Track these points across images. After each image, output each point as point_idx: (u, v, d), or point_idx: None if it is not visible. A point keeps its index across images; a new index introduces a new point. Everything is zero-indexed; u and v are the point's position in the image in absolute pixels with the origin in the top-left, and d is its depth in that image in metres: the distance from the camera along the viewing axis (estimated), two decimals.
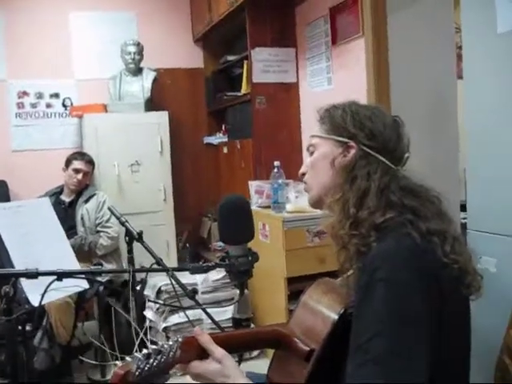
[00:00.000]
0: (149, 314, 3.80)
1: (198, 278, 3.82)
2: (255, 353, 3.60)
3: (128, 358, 1.01)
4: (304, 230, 3.37)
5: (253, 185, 3.96)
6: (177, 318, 3.66)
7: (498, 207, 1.93)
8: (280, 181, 3.56)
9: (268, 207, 3.72)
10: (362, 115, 1.36)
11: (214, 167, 5.31)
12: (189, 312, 3.44)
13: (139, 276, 3.62)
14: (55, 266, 1.54)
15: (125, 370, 1.00)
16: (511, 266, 1.87)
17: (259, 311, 3.88)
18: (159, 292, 3.75)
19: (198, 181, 5.40)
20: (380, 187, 1.26)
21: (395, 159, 1.33)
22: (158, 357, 1.04)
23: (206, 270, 1.54)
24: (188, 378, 1.19)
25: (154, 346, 1.04)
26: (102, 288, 3.62)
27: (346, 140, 1.34)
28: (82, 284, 1.85)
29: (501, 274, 1.90)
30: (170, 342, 1.08)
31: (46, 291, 1.50)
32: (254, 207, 3.89)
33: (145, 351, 1.03)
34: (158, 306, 3.70)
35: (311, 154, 1.43)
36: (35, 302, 1.63)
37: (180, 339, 1.11)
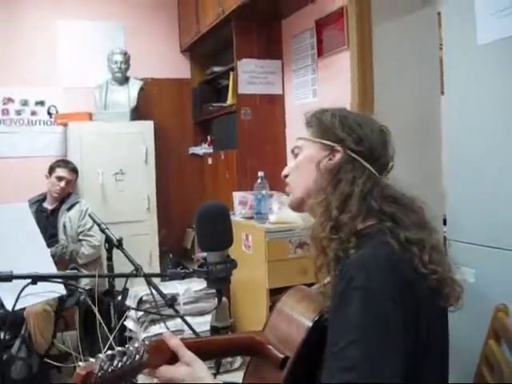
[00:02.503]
0: (130, 324, 3.76)
1: (180, 289, 3.79)
2: (236, 364, 3.57)
3: (91, 359, 0.99)
4: (287, 241, 3.36)
5: (237, 195, 3.96)
6: (157, 329, 3.62)
7: (477, 218, 1.94)
8: (264, 192, 3.56)
9: (251, 218, 3.72)
10: (351, 120, 1.35)
11: (199, 178, 5.31)
12: (170, 323, 3.41)
13: (120, 285, 3.59)
14: (32, 270, 1.52)
15: (86, 371, 0.97)
16: (489, 277, 1.87)
17: (241, 322, 3.86)
18: (140, 302, 3.70)
19: (182, 191, 5.39)
20: (363, 192, 1.26)
21: (380, 167, 1.32)
22: (124, 359, 1.02)
23: (184, 277, 1.53)
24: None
25: (119, 348, 1.02)
26: (82, 297, 3.58)
27: (333, 144, 1.34)
28: (59, 290, 1.83)
29: (479, 285, 1.90)
30: (136, 345, 1.05)
31: (19, 295, 1.48)
32: (237, 218, 3.88)
33: (109, 352, 1.00)
34: (139, 315, 3.66)
35: (296, 155, 1.42)
36: (9, 306, 1.60)
37: (147, 342, 1.09)
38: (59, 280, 1.57)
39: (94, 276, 1.56)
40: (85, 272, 3.81)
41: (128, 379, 1.06)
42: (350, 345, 1.03)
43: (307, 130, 1.42)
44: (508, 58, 1.74)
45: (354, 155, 1.31)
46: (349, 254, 1.18)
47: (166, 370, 1.13)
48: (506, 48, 1.75)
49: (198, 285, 3.79)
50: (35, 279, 1.43)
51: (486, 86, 1.90)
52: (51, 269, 1.92)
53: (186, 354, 1.14)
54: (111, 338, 1.58)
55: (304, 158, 1.39)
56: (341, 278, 1.13)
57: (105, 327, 1.73)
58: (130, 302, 3.79)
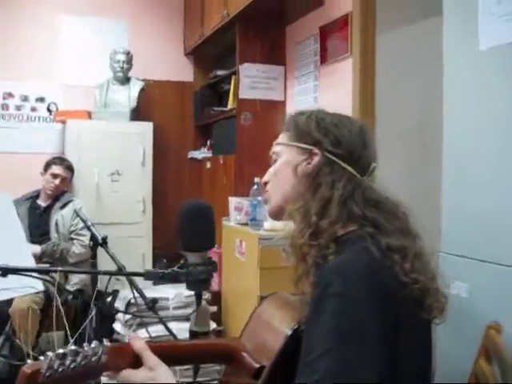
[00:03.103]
0: (118, 326, 3.71)
1: (171, 293, 3.73)
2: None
3: (41, 357, 0.92)
4: (280, 249, 3.29)
5: (232, 201, 3.90)
6: (145, 332, 3.55)
7: (472, 230, 1.88)
8: (259, 198, 3.50)
9: (246, 224, 3.66)
10: (328, 122, 1.30)
11: (197, 182, 5.26)
12: (159, 327, 3.34)
13: (110, 288, 3.53)
14: (6, 262, 1.46)
15: (32, 370, 0.90)
16: (483, 292, 1.81)
17: (231, 329, 3.80)
18: (129, 304, 3.64)
19: (179, 195, 5.32)
20: (343, 196, 1.20)
21: (361, 168, 1.26)
22: (77, 358, 0.95)
23: (161, 277, 1.47)
24: None
25: (72, 347, 0.95)
26: (70, 297, 3.52)
27: (309, 147, 1.28)
28: (37, 286, 1.77)
29: (472, 300, 1.83)
30: (93, 345, 0.99)
31: None
32: (232, 223, 3.83)
33: (60, 351, 0.93)
34: (127, 318, 3.60)
35: (274, 161, 1.37)
36: None
37: (106, 343, 1.02)
38: (31, 274, 1.51)
39: (55, 271, 1.50)
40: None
41: (83, 381, 0.99)
42: (322, 355, 0.98)
43: (284, 134, 1.37)
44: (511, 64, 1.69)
45: (333, 157, 1.25)
46: (328, 260, 1.13)
47: (128, 374, 1.07)
48: (509, 53, 1.69)
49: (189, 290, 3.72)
50: (4, 272, 1.37)
51: (488, 93, 1.84)
52: (29, 263, 1.87)
53: (150, 358, 1.08)
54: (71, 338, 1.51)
55: (281, 164, 1.34)
56: (318, 284, 1.08)
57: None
58: (119, 304, 3.73)
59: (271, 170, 1.38)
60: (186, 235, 1.41)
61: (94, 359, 0.98)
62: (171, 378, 1.07)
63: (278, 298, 1.36)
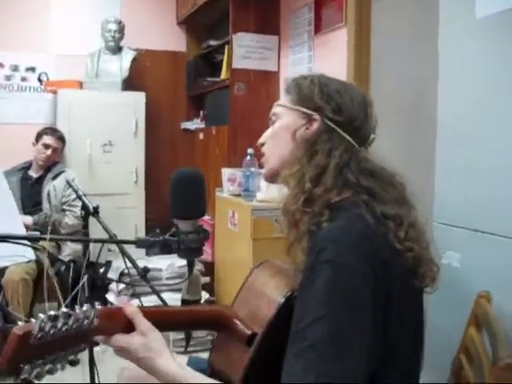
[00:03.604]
0: (111, 297, 3.72)
1: (164, 263, 3.74)
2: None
3: (33, 320, 0.91)
4: (273, 220, 3.28)
5: (225, 172, 3.89)
6: (138, 302, 3.56)
7: (465, 200, 1.88)
8: (252, 169, 3.49)
9: (239, 195, 3.65)
10: (331, 88, 1.28)
11: (190, 153, 5.22)
12: (151, 297, 3.36)
13: (103, 258, 3.53)
14: None
15: (24, 331, 0.89)
16: (475, 262, 1.81)
17: (224, 300, 3.83)
18: (122, 275, 3.65)
19: (172, 165, 5.28)
20: (339, 164, 1.19)
21: (360, 139, 1.25)
22: (69, 321, 0.94)
23: (151, 245, 1.46)
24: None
25: (64, 309, 0.94)
26: (63, 268, 3.51)
27: (310, 112, 1.26)
28: (27, 254, 1.76)
29: (464, 270, 1.84)
30: (85, 308, 0.98)
31: None
32: (225, 195, 3.83)
33: (52, 312, 0.93)
34: (120, 289, 3.61)
35: (273, 123, 1.35)
36: None
37: (98, 307, 1.02)
38: (21, 242, 1.50)
39: (45, 239, 1.48)
40: (68, 243, 3.74)
41: (75, 344, 0.98)
42: (313, 322, 0.98)
43: (286, 96, 1.35)
44: (508, 32, 1.66)
45: (332, 125, 1.24)
46: (321, 227, 1.12)
47: (119, 339, 1.07)
48: (506, 21, 1.66)
49: (182, 260, 3.72)
50: None
51: (484, 62, 1.82)
52: (20, 232, 1.85)
53: (142, 323, 1.08)
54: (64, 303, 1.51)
55: (280, 126, 1.32)
56: (311, 250, 1.07)
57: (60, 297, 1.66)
58: (112, 275, 3.74)
59: (269, 131, 1.37)
60: (177, 203, 1.40)
61: (85, 322, 0.97)
62: (162, 344, 1.07)
63: (270, 265, 1.36)
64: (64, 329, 0.93)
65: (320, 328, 0.97)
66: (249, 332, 1.19)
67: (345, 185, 1.18)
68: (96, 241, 1.51)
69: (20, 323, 0.91)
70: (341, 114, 1.25)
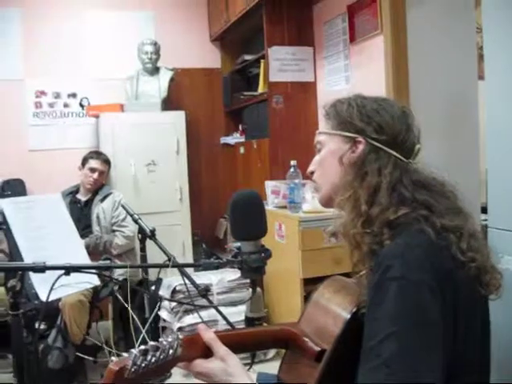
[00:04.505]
0: (163, 314, 3.77)
1: (214, 279, 3.79)
2: (270, 354, 3.56)
3: (124, 354, 0.97)
4: (321, 230, 3.31)
5: (269, 185, 3.92)
6: (191, 319, 3.61)
7: None
8: (297, 180, 3.51)
9: (284, 207, 3.68)
10: (369, 108, 1.30)
11: (231, 167, 5.27)
12: (204, 313, 3.39)
13: (154, 275, 3.60)
14: (65, 260, 1.51)
15: (119, 366, 0.95)
16: None
17: (275, 312, 3.84)
18: (174, 292, 3.71)
19: (214, 181, 5.38)
20: (392, 182, 1.21)
21: (406, 152, 1.27)
22: (157, 353, 1.00)
23: (217, 267, 1.49)
24: (194, 379, 1.15)
25: (152, 343, 1.00)
26: (116, 287, 3.60)
27: (353, 135, 1.29)
28: (93, 280, 1.82)
29: None
30: (170, 339, 1.03)
31: (53, 286, 1.47)
32: (270, 207, 3.85)
33: (142, 347, 0.98)
34: (172, 306, 3.67)
35: (319, 151, 1.38)
36: (43, 297, 1.60)
37: (180, 336, 1.06)
38: (92, 271, 1.56)
39: (126, 266, 1.54)
40: (118, 262, 3.83)
41: (162, 373, 1.04)
42: (385, 339, 1.00)
43: (326, 123, 1.37)
44: None
45: (377, 144, 1.26)
46: (384, 245, 1.14)
47: (200, 364, 1.11)
48: None
49: (231, 275, 3.78)
50: (68, 270, 1.42)
51: None
52: (85, 259, 1.92)
53: (221, 349, 1.12)
54: (143, 332, 1.56)
55: (326, 154, 1.35)
56: (376, 268, 1.09)
57: (136, 320, 1.71)
58: (164, 292, 3.79)
59: (316, 159, 1.39)
60: (239, 226, 1.42)
61: (170, 352, 1.02)
62: (241, 368, 1.10)
63: (334, 282, 1.38)
64: (153, 360, 0.99)
65: (391, 345, 0.99)
66: (318, 349, 1.21)
67: (401, 201, 1.19)
68: (161, 266, 1.56)
69: (114, 358, 0.96)
70: (383, 132, 1.26)
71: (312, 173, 1.41)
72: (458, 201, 1.26)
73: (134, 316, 1.71)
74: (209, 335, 1.13)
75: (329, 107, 1.38)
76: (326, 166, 1.35)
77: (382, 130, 1.27)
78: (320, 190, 1.39)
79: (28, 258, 1.77)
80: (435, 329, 1.02)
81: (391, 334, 1.00)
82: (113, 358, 0.98)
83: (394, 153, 1.25)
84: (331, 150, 1.34)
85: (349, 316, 1.19)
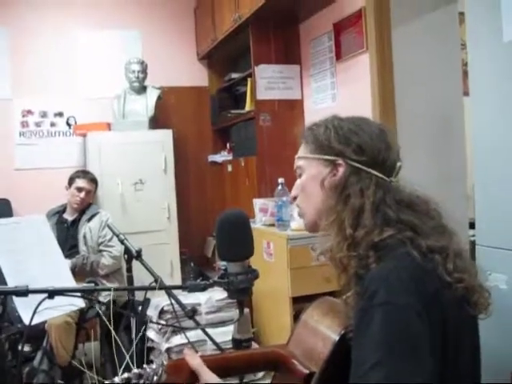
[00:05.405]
0: (151, 334, 3.73)
1: (202, 298, 3.75)
2: (259, 375, 3.51)
3: (106, 383, 0.94)
4: (309, 248, 3.29)
5: (257, 203, 3.91)
6: (179, 339, 3.57)
7: (508, 221, 1.87)
8: (284, 198, 3.50)
9: (272, 225, 3.67)
10: (346, 129, 1.29)
11: (219, 185, 5.26)
12: (192, 333, 3.36)
13: (141, 295, 3.57)
14: (50, 283, 1.48)
15: None
16: None
17: (264, 331, 3.81)
18: (162, 312, 3.67)
19: (202, 199, 5.36)
20: (375, 203, 1.20)
21: (387, 170, 1.26)
22: (140, 381, 0.97)
23: (203, 288, 1.47)
24: None
25: (135, 370, 0.97)
26: (103, 308, 3.55)
27: (333, 158, 1.27)
28: (78, 303, 1.79)
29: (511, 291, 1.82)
30: (154, 366, 1.01)
31: (36, 310, 1.44)
32: (258, 225, 3.83)
33: (125, 375, 0.96)
34: (160, 326, 3.63)
35: (299, 176, 1.36)
36: (27, 321, 1.57)
37: (165, 362, 1.04)
38: (76, 294, 1.53)
39: (109, 289, 1.51)
40: (105, 283, 3.79)
41: None
42: (372, 368, 0.97)
43: (305, 147, 1.36)
44: None
45: (358, 165, 1.25)
46: (370, 268, 1.12)
47: None
48: None
49: (219, 294, 3.74)
50: (51, 294, 1.40)
51: None
52: (69, 282, 1.89)
53: (208, 376, 1.09)
54: (127, 357, 1.53)
55: (307, 179, 1.34)
56: (362, 293, 1.08)
57: (120, 343, 1.68)
58: (152, 312, 3.75)
59: (298, 183, 1.38)
60: (225, 246, 1.41)
61: (154, 379, 1.00)
62: None
63: (323, 303, 1.37)
64: None
65: (377, 374, 0.96)
66: (306, 371, 1.19)
67: (385, 222, 1.18)
68: (147, 288, 1.54)
69: None
70: (363, 153, 1.25)
71: (295, 198, 1.40)
72: (442, 219, 1.25)
73: (118, 339, 1.68)
74: (195, 361, 1.11)
75: (306, 131, 1.37)
76: (307, 191, 1.34)
77: (362, 150, 1.25)
78: (304, 216, 1.37)
79: (11, 281, 1.74)
80: (424, 352, 1.00)
81: (377, 364, 0.97)
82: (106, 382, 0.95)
83: (376, 172, 1.24)
84: (312, 174, 1.32)
85: (337, 338, 1.18)
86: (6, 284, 1.73)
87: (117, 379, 0.94)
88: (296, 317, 3.49)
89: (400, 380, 0.96)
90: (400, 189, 1.25)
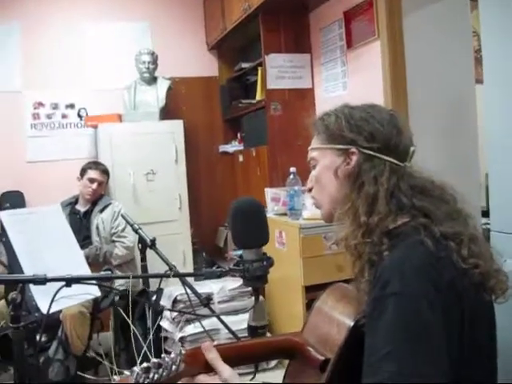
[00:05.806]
0: (165, 324, 3.75)
1: (215, 288, 3.76)
2: (272, 363, 3.52)
3: (126, 373, 0.95)
4: (321, 237, 3.30)
5: (269, 192, 3.91)
6: (193, 328, 3.59)
7: None
8: (296, 187, 3.50)
9: (284, 214, 3.66)
10: (357, 117, 1.29)
11: (230, 175, 5.27)
12: (206, 322, 3.38)
13: (154, 285, 3.59)
14: (65, 272, 1.50)
15: None
16: None
17: (277, 320, 3.82)
18: (175, 302, 3.68)
19: (213, 189, 5.37)
20: (389, 189, 1.20)
21: (400, 155, 1.26)
22: (159, 370, 0.99)
23: (219, 275, 1.49)
24: None
25: (154, 360, 0.99)
26: (117, 298, 3.58)
27: (345, 147, 1.28)
28: (93, 291, 1.81)
29: None
30: (172, 355, 1.02)
31: (54, 298, 1.46)
32: (270, 215, 3.83)
33: (144, 365, 0.97)
34: (174, 315, 3.65)
35: (313, 167, 1.37)
36: (44, 310, 1.59)
37: (183, 351, 1.05)
38: (93, 282, 1.55)
39: (128, 277, 1.53)
40: (118, 273, 3.82)
41: None
42: (384, 357, 0.98)
43: (317, 137, 1.37)
44: None
45: (371, 152, 1.25)
46: (383, 256, 1.13)
47: (204, 380, 1.08)
48: None
49: (232, 283, 3.75)
50: (69, 282, 1.41)
51: None
52: (85, 271, 1.91)
53: (225, 370, 1.09)
54: (145, 346, 1.54)
55: (321, 169, 1.34)
56: (375, 282, 1.08)
57: (137, 332, 1.70)
58: (165, 301, 3.77)
59: (312, 175, 1.38)
60: (240, 234, 1.41)
61: (173, 368, 1.01)
62: None
63: (337, 289, 1.37)
64: (156, 378, 0.98)
65: (392, 362, 0.97)
66: (322, 358, 1.20)
67: (399, 208, 1.19)
68: (163, 276, 1.55)
69: (116, 377, 0.95)
70: (375, 140, 1.26)
71: (310, 190, 1.40)
72: (457, 204, 1.25)
73: (135, 329, 1.69)
74: (211, 354, 1.10)
75: (317, 121, 1.37)
76: (322, 181, 1.34)
77: (374, 137, 1.26)
78: (320, 207, 1.38)
79: (28, 270, 1.75)
80: (436, 342, 1.00)
81: (389, 353, 0.98)
82: (115, 376, 0.96)
83: (389, 158, 1.24)
84: (325, 164, 1.33)
85: (352, 324, 1.18)
86: (22, 273, 1.75)
87: (136, 369, 0.95)
88: (308, 306, 3.50)
89: (412, 370, 0.97)
90: (414, 174, 1.25)
